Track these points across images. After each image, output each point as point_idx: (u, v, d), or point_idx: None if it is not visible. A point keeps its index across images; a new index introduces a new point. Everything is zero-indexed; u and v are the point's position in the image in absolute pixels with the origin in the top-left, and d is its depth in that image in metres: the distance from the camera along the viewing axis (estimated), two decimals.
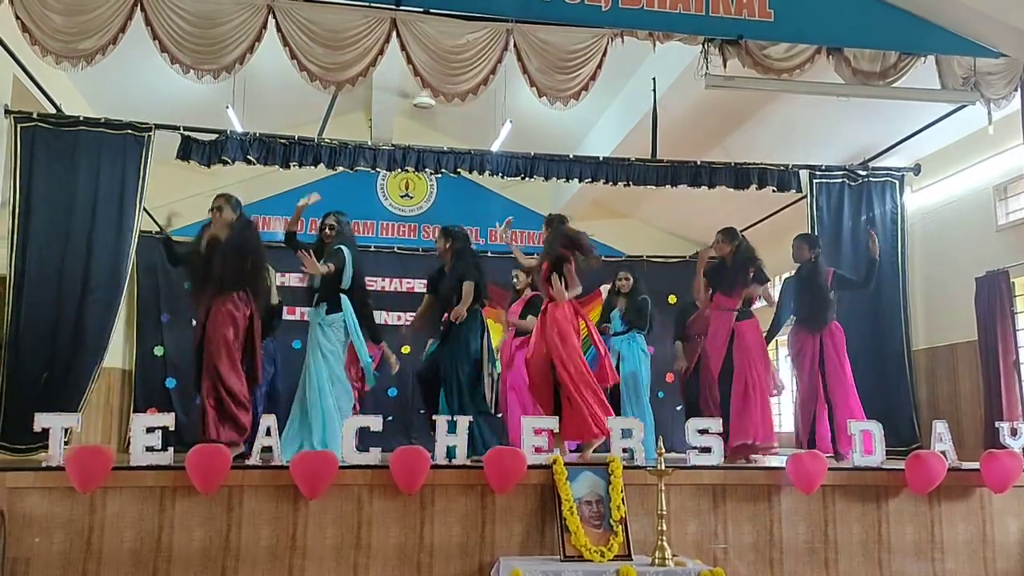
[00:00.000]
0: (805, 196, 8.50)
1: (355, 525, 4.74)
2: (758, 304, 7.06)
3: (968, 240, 7.85)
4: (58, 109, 7.40)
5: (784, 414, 10.82)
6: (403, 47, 6.25)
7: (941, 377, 8.09)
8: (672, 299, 9.85)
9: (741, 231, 10.47)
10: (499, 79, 6.45)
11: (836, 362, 6.84)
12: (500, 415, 6.99)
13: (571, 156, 8.48)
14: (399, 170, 8.28)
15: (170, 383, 9.67)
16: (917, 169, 8.49)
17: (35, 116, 7.11)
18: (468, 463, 4.98)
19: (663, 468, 4.58)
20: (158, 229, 9.78)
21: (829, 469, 5.15)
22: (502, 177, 8.41)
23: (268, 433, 4.93)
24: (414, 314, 10.36)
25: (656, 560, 4.50)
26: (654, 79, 7.96)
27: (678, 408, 9.18)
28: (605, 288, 9.05)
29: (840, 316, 7.68)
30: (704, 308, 7.20)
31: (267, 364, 6.82)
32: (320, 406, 6.01)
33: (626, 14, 6.47)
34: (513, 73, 6.51)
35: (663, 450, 4.68)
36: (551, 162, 8.28)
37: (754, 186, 8.36)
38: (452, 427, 5.06)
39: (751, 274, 6.82)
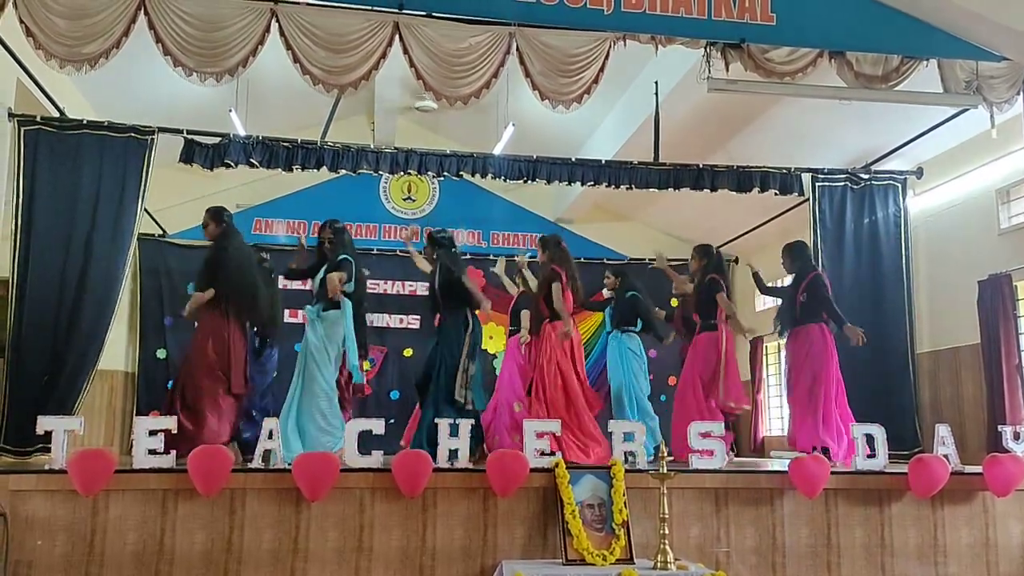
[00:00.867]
0: (807, 199, 8.50)
1: (357, 528, 4.74)
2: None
3: (970, 243, 7.84)
4: (61, 112, 7.42)
5: (785, 419, 10.81)
6: (406, 50, 6.26)
7: (944, 381, 8.08)
8: (675, 302, 9.84)
9: (744, 234, 10.60)
10: (501, 82, 6.46)
11: (825, 361, 6.84)
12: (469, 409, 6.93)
13: (573, 159, 8.48)
14: (401, 173, 8.26)
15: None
16: (919, 172, 8.48)
17: (38, 119, 7.13)
18: (470, 466, 4.98)
19: (665, 471, 4.58)
20: (161, 232, 9.85)
21: (832, 473, 5.15)
22: (504, 180, 8.40)
23: (270, 436, 4.93)
24: (416, 316, 10.49)
25: (658, 564, 4.49)
26: (656, 82, 7.96)
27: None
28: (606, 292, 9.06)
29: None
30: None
31: (257, 373, 6.85)
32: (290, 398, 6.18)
33: (628, 18, 6.48)
34: (515, 76, 6.52)
35: (665, 454, 4.68)
36: (553, 165, 8.28)
37: (756, 189, 8.35)
38: (455, 430, 5.07)
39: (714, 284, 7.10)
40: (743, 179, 8.34)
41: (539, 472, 4.90)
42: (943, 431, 5.52)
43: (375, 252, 10.75)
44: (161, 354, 9.80)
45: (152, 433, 4.77)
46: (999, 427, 5.78)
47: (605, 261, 10.57)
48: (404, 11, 6.27)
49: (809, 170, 8.43)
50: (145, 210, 7.51)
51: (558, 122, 8.98)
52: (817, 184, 8.41)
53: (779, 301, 7.41)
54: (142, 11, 5.95)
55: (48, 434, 4.75)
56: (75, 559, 4.51)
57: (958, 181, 8.07)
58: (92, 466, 4.50)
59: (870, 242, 8.36)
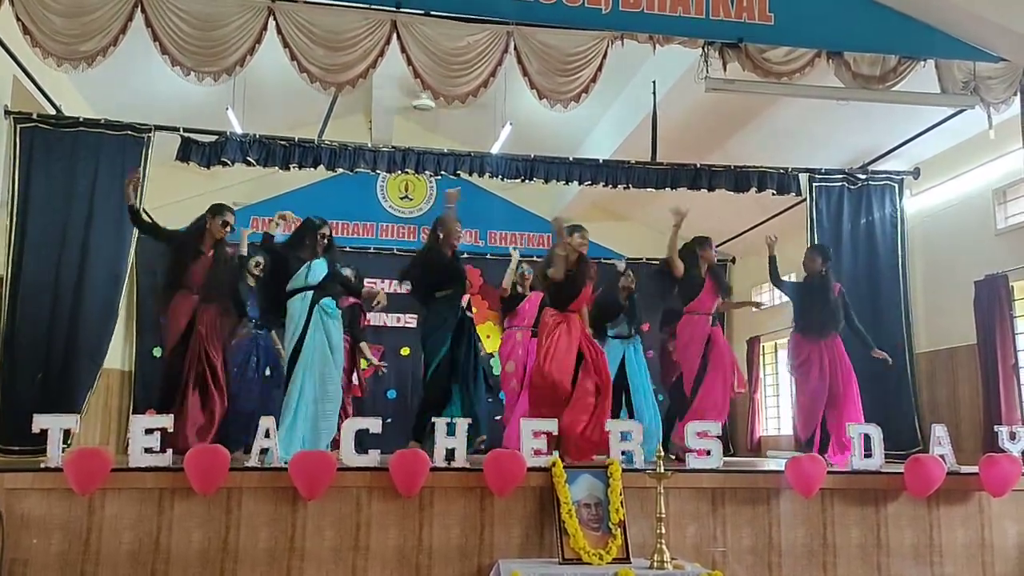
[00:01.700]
0: (805, 199, 8.51)
1: (354, 527, 4.73)
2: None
3: (967, 244, 7.85)
4: (58, 110, 7.41)
5: (782, 418, 10.83)
6: (403, 49, 6.25)
7: (940, 381, 8.10)
8: None
9: (741, 233, 10.61)
10: (499, 81, 6.45)
11: (843, 371, 6.81)
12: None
13: (571, 158, 8.49)
14: (399, 172, 8.29)
15: None
16: (916, 173, 8.49)
17: (35, 117, 7.12)
18: (467, 465, 4.98)
19: (662, 471, 4.57)
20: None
21: (828, 473, 5.15)
22: (502, 179, 8.42)
23: (267, 435, 4.92)
24: (413, 315, 10.47)
25: (655, 563, 4.49)
26: (654, 82, 7.97)
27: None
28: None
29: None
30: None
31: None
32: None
33: (626, 17, 6.47)
34: (513, 75, 6.52)
35: (662, 453, 4.68)
36: (551, 164, 8.29)
37: (754, 189, 8.37)
38: (451, 429, 5.06)
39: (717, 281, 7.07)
40: (740, 179, 8.36)
41: (536, 471, 4.89)
42: (939, 431, 5.52)
43: (372, 251, 10.75)
44: (157, 352, 9.77)
45: (148, 431, 4.75)
46: (995, 427, 5.78)
47: (602, 261, 10.56)
48: (402, 9, 6.26)
49: (806, 170, 8.45)
50: (143, 209, 7.49)
51: (556, 121, 8.98)
52: (814, 184, 8.43)
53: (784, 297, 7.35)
54: (139, 9, 5.94)
55: (42, 434, 4.73)
56: (71, 558, 4.50)
57: (955, 181, 8.08)
58: (88, 465, 4.48)
59: (867, 242, 8.38)
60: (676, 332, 7.10)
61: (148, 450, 4.72)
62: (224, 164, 7.64)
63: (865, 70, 6.68)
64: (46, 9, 5.80)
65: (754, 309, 9.11)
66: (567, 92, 6.47)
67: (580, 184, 8.50)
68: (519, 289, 7.88)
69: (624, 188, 8.35)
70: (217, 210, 6.33)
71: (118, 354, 9.77)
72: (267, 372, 7.08)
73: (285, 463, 4.76)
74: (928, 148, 8.21)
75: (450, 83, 6.33)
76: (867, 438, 5.47)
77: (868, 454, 5.44)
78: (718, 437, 5.30)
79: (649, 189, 8.39)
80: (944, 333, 8.09)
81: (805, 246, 7.95)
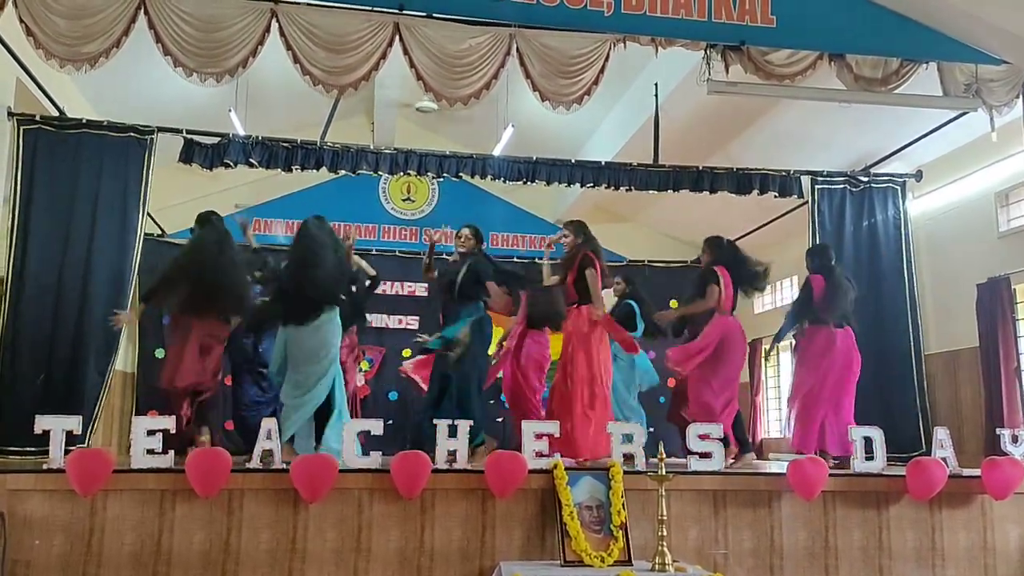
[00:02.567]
0: (807, 202, 8.51)
1: (355, 529, 4.73)
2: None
3: (969, 246, 7.84)
4: (61, 112, 7.42)
5: (784, 420, 10.81)
6: (406, 51, 6.26)
7: (942, 383, 8.09)
8: (674, 303, 9.84)
9: (743, 236, 10.59)
10: (501, 83, 6.47)
11: (854, 364, 6.80)
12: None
13: (573, 160, 8.50)
14: (401, 174, 8.28)
15: None
16: (919, 175, 8.49)
17: (38, 118, 7.14)
18: (469, 467, 4.98)
19: (663, 473, 4.57)
20: (160, 232, 9.84)
21: (830, 475, 5.15)
22: (504, 181, 8.42)
23: (269, 437, 4.93)
24: (415, 317, 10.47)
25: (656, 565, 4.49)
26: (656, 84, 7.97)
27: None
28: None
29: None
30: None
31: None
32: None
33: (628, 19, 6.48)
34: (515, 77, 6.53)
35: (664, 455, 4.68)
36: (553, 166, 8.29)
37: (756, 191, 8.37)
38: (452, 431, 5.07)
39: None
40: (742, 181, 8.35)
41: (537, 473, 4.89)
42: (941, 434, 5.52)
43: (374, 252, 10.74)
44: (159, 353, 9.76)
45: (150, 433, 4.76)
46: (997, 430, 5.77)
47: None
48: (404, 12, 6.27)
49: (808, 172, 8.45)
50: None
51: (558, 123, 8.99)
52: (816, 186, 8.43)
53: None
54: (142, 11, 5.95)
55: (43, 435, 4.73)
56: (73, 559, 4.51)
57: (957, 184, 8.08)
58: (90, 466, 4.49)
59: (869, 245, 8.38)
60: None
61: (150, 451, 4.72)
62: (227, 166, 7.65)
63: (867, 72, 6.68)
64: (49, 11, 5.81)
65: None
66: (569, 94, 6.48)
67: (582, 186, 8.50)
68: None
69: (626, 190, 8.35)
70: (201, 219, 6.42)
71: (120, 355, 9.77)
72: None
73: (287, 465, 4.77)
74: (930, 151, 8.21)
75: (452, 85, 6.34)
76: (869, 441, 5.47)
77: (870, 456, 5.44)
78: (720, 440, 5.30)
79: (651, 191, 8.38)
80: (946, 336, 8.08)
81: (807, 248, 7.96)
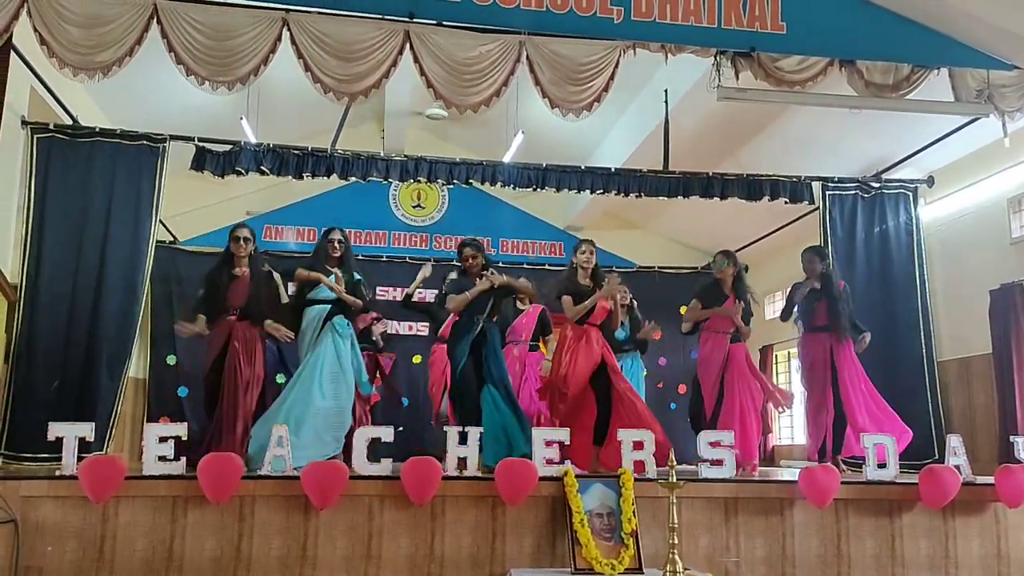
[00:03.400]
0: (818, 208, 8.48)
1: (366, 536, 4.73)
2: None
3: (982, 253, 7.80)
4: (74, 120, 7.48)
5: (796, 427, 10.77)
6: (416, 59, 6.28)
7: (955, 390, 8.04)
8: (683, 310, 9.82)
9: (754, 242, 10.59)
10: (511, 90, 6.47)
11: (853, 371, 6.79)
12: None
13: (583, 167, 8.50)
14: (411, 181, 8.30)
15: (182, 392, 9.70)
16: (930, 181, 8.46)
17: (52, 127, 7.19)
18: (479, 474, 4.98)
19: (674, 481, 4.56)
20: (172, 239, 9.89)
21: (842, 483, 5.12)
22: (514, 188, 8.44)
23: (279, 444, 4.94)
24: (425, 324, 10.48)
25: (667, 573, 4.45)
26: (666, 91, 7.97)
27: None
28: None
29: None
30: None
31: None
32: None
33: (638, 26, 6.48)
34: (525, 85, 6.53)
35: (675, 462, 4.67)
36: (563, 173, 8.30)
37: (766, 198, 8.35)
38: (463, 438, 5.07)
39: (749, 300, 6.98)
40: (753, 187, 8.34)
41: (548, 480, 4.89)
42: (954, 441, 5.48)
43: (384, 259, 10.77)
44: (171, 360, 9.83)
45: (162, 440, 4.78)
46: (1011, 437, 5.74)
47: (614, 269, 10.56)
48: (415, 20, 6.29)
49: (819, 178, 8.43)
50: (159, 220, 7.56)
51: (567, 130, 8.99)
52: (827, 192, 8.41)
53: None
54: (155, 20, 6.00)
55: (56, 441, 4.76)
56: (85, 566, 4.52)
57: (969, 190, 8.04)
58: (102, 472, 4.51)
59: (881, 251, 8.34)
60: (698, 348, 7.13)
61: (162, 458, 4.74)
62: (238, 173, 7.69)
63: (878, 79, 6.66)
64: (63, 20, 5.86)
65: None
66: (579, 101, 6.48)
67: (592, 193, 8.50)
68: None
69: (636, 197, 8.35)
70: (230, 233, 6.47)
71: (132, 362, 9.81)
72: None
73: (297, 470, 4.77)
74: (942, 157, 8.18)
75: (462, 93, 6.35)
76: (881, 448, 5.44)
77: (883, 464, 5.41)
78: (731, 447, 5.28)
79: (661, 198, 8.38)
80: (959, 343, 8.04)
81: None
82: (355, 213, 10.98)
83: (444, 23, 6.35)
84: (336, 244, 6.42)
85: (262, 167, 7.69)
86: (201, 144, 7.61)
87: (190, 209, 10.05)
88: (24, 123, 7.07)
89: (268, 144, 7.80)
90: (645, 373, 8.48)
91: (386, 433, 5.01)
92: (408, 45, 6.26)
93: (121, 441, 9.34)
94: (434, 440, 7.72)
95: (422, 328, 10.48)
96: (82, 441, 4.79)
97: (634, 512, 4.78)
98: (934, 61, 6.74)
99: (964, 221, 8.12)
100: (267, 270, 6.75)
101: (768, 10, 6.64)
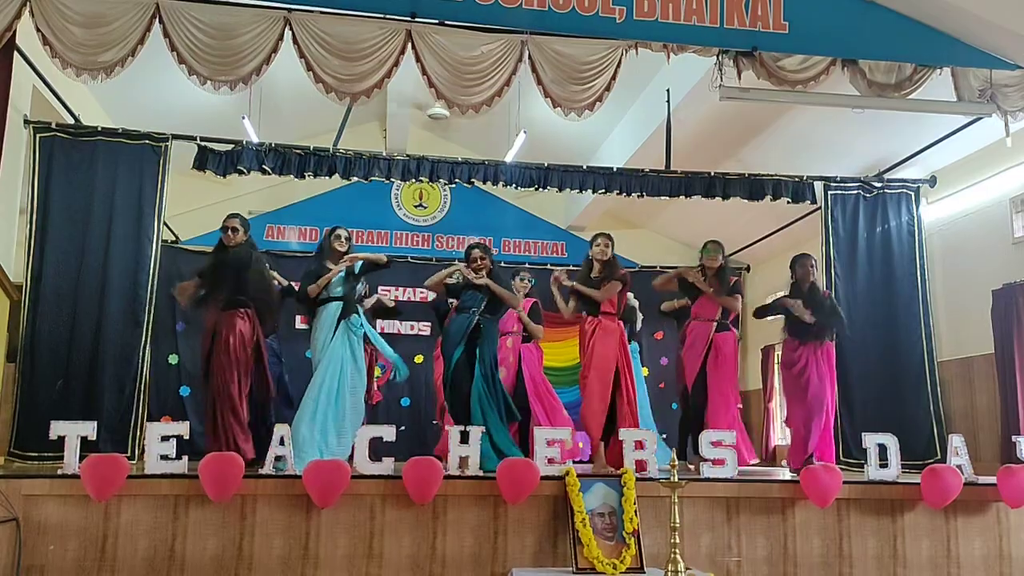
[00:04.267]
0: (820, 208, 8.48)
1: (367, 535, 4.74)
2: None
3: (984, 253, 7.79)
4: (76, 119, 7.48)
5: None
6: (418, 58, 6.28)
7: (957, 390, 8.03)
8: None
9: (756, 242, 10.58)
10: (513, 90, 6.46)
11: (827, 376, 6.81)
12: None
13: (585, 167, 8.49)
14: (413, 180, 8.28)
15: (184, 391, 9.72)
16: (933, 181, 8.45)
17: (54, 126, 7.19)
18: (481, 474, 4.98)
19: (676, 480, 4.56)
20: (174, 238, 9.90)
21: (844, 482, 5.12)
22: (516, 188, 8.42)
23: (282, 443, 4.94)
24: (427, 324, 10.48)
25: (669, 573, 4.45)
26: (668, 90, 7.96)
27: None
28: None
29: (856, 328, 7.68)
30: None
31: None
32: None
33: (640, 26, 6.48)
34: (527, 84, 6.53)
35: (676, 462, 4.66)
36: (565, 173, 8.29)
37: (768, 197, 8.33)
38: (464, 437, 5.08)
39: (732, 283, 7.03)
40: (755, 187, 8.32)
41: (550, 480, 4.89)
42: (956, 441, 5.48)
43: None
44: (173, 360, 9.84)
45: (164, 439, 4.79)
46: (1013, 438, 5.74)
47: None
48: (417, 19, 6.29)
49: (821, 178, 8.41)
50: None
51: (570, 130, 8.98)
52: (829, 192, 8.39)
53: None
54: (157, 19, 6.00)
55: (60, 440, 4.76)
56: (87, 564, 4.54)
57: (972, 190, 8.03)
58: (105, 471, 4.52)
59: (883, 251, 8.33)
60: (684, 335, 7.14)
61: (164, 457, 4.75)
62: (240, 172, 7.68)
63: (880, 78, 6.66)
64: (65, 20, 5.86)
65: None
66: (581, 101, 6.48)
67: (594, 192, 8.49)
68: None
69: (638, 196, 8.33)
70: (222, 223, 6.40)
71: (144, 362, 9.82)
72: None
73: (298, 473, 4.78)
74: (944, 156, 8.16)
75: (464, 92, 6.35)
76: (883, 448, 5.44)
77: (884, 464, 5.40)
78: (732, 446, 5.28)
79: (663, 197, 8.37)
80: (961, 342, 8.03)
81: (821, 254, 7.94)
82: (357, 213, 10.99)
83: (446, 22, 6.35)
84: (343, 240, 6.50)
85: (264, 167, 7.68)
86: (203, 143, 7.61)
87: (192, 209, 10.06)
88: (27, 122, 7.08)
89: (270, 144, 7.79)
90: (646, 373, 8.50)
91: (388, 432, 5.02)
92: (410, 45, 6.25)
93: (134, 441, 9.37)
94: (436, 440, 7.74)
95: (424, 328, 10.49)
96: (87, 441, 4.79)
97: (636, 511, 4.78)
98: (937, 60, 6.73)
99: (966, 221, 8.11)
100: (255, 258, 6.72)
101: (770, 9, 6.63)
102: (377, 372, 8.23)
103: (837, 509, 5.12)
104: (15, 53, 6.16)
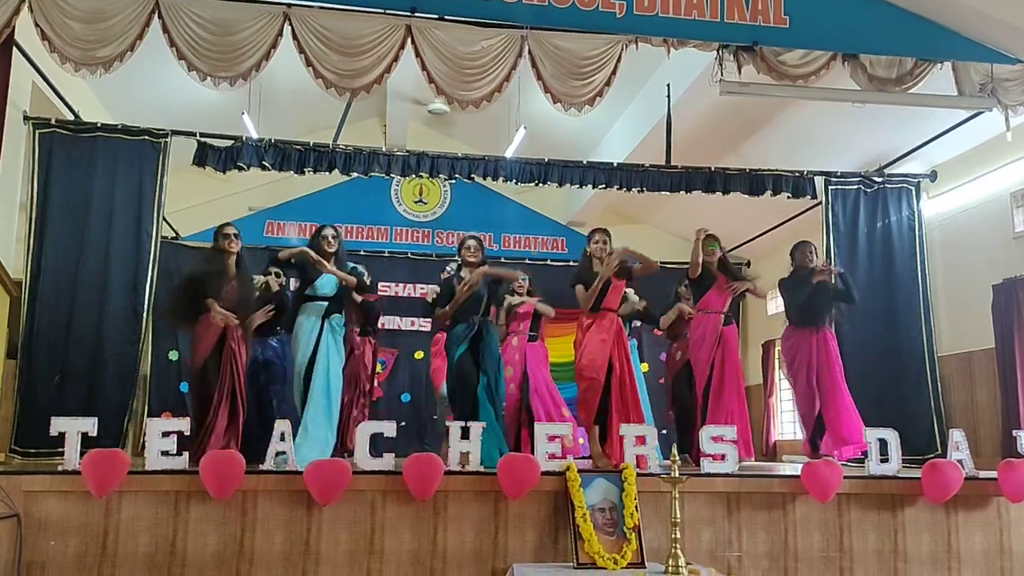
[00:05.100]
0: (820, 203, 8.47)
1: (368, 531, 4.74)
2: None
3: (985, 247, 7.79)
4: (76, 115, 7.48)
5: (797, 422, 10.77)
6: (418, 53, 6.27)
7: (957, 385, 8.03)
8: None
9: (756, 237, 10.57)
10: (513, 85, 6.46)
11: (827, 364, 6.81)
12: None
13: (585, 162, 8.49)
14: (413, 176, 8.29)
15: (184, 387, 9.72)
16: (933, 176, 8.44)
17: (53, 122, 7.19)
18: (482, 469, 4.98)
19: (677, 475, 4.56)
20: (174, 234, 9.90)
21: (845, 477, 5.12)
22: (516, 183, 8.42)
23: (282, 439, 4.94)
24: (428, 319, 10.48)
25: (670, 568, 4.47)
26: (668, 85, 7.95)
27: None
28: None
29: (857, 321, 7.68)
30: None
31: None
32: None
33: (640, 20, 6.46)
34: (527, 79, 6.52)
35: (677, 457, 4.67)
36: (565, 168, 8.29)
37: (769, 192, 8.33)
38: (465, 432, 5.07)
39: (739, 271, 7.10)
40: (755, 182, 8.32)
41: (550, 475, 4.89)
42: (957, 436, 5.48)
43: (386, 255, 10.78)
44: (173, 356, 9.84)
45: (165, 435, 4.79)
46: (1013, 432, 5.74)
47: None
48: (416, 14, 6.28)
49: (822, 173, 8.41)
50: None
51: (570, 125, 8.98)
52: (830, 187, 8.39)
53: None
54: (156, 15, 5.99)
55: (59, 436, 4.76)
56: (88, 560, 4.53)
57: (972, 184, 8.02)
58: (105, 467, 4.52)
59: (884, 245, 8.33)
60: (690, 330, 7.11)
61: (164, 453, 4.75)
62: (240, 168, 7.68)
63: (881, 72, 6.64)
64: (64, 15, 5.85)
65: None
66: (581, 96, 6.47)
67: (594, 187, 8.49)
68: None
69: (638, 191, 8.33)
70: (218, 231, 6.35)
71: (143, 358, 9.82)
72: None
73: (300, 469, 4.78)
74: (945, 151, 8.16)
75: (464, 88, 6.34)
76: (884, 443, 5.44)
77: (885, 459, 5.40)
78: (733, 441, 5.28)
79: (663, 193, 8.37)
80: (961, 337, 8.03)
81: (821, 249, 7.93)
82: (357, 208, 10.99)
83: (446, 17, 6.34)
84: (331, 240, 6.43)
85: (264, 162, 7.68)
86: (203, 139, 7.60)
87: (192, 205, 10.06)
88: (26, 118, 7.07)
89: (270, 139, 7.79)
90: (646, 369, 8.48)
91: (388, 428, 5.02)
92: (410, 40, 6.25)
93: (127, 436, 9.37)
94: (435, 441, 7.74)
95: (424, 324, 10.49)
96: (87, 437, 4.79)
97: (636, 507, 4.78)
98: (937, 55, 6.71)
99: (967, 216, 8.10)
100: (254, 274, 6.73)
101: (771, 4, 6.62)
102: (379, 368, 8.25)
103: (838, 504, 5.12)
104: (14, 49, 6.15)
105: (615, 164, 8.49)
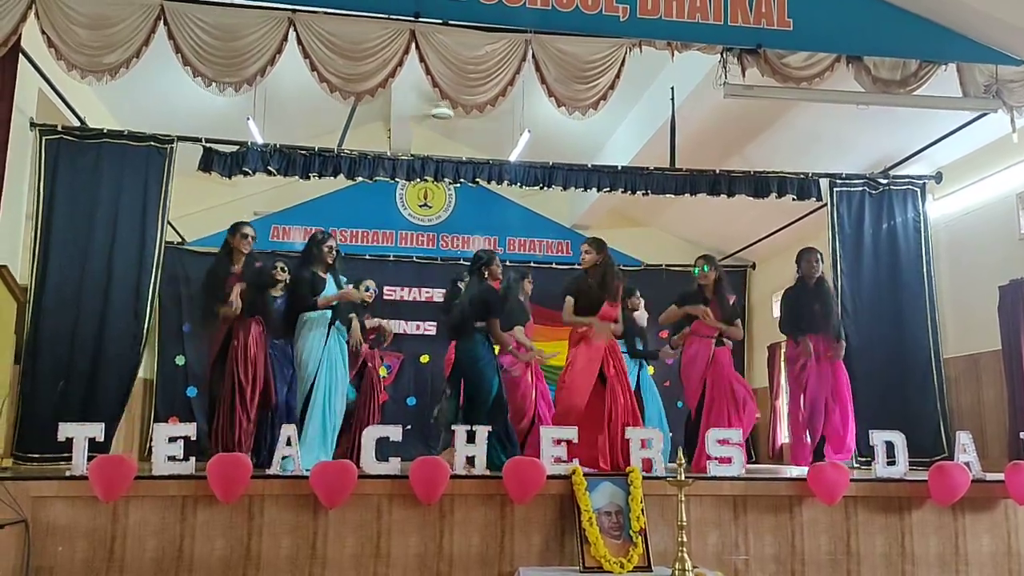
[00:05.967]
0: (825, 205, 8.46)
1: (375, 534, 4.75)
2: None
3: (991, 249, 7.76)
4: (82, 122, 7.50)
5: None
6: (422, 58, 6.28)
7: (964, 387, 8.01)
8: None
9: (761, 239, 10.56)
10: (517, 89, 6.46)
11: (830, 372, 6.81)
12: None
13: (589, 165, 8.49)
14: (418, 180, 8.30)
15: (191, 392, 9.74)
16: (939, 177, 8.43)
17: (59, 129, 7.21)
18: (487, 473, 4.99)
19: (683, 479, 4.55)
20: (180, 240, 9.92)
21: (852, 480, 5.11)
22: (520, 187, 8.43)
23: (288, 443, 4.95)
24: (432, 323, 10.49)
25: (676, 571, 4.46)
26: (672, 88, 7.95)
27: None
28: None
29: (863, 324, 7.67)
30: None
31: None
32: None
33: (644, 24, 6.46)
34: (531, 83, 6.53)
35: (683, 460, 4.66)
36: (569, 171, 8.29)
37: (773, 195, 8.32)
38: (471, 436, 5.08)
39: (731, 303, 7.02)
40: (760, 184, 8.32)
41: (556, 479, 4.89)
42: (964, 438, 5.47)
43: (391, 259, 10.79)
44: (179, 360, 9.87)
45: (172, 440, 4.80)
46: (1021, 434, 5.73)
47: (620, 267, 10.55)
48: (420, 19, 6.29)
49: (827, 175, 8.40)
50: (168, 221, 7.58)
51: (574, 128, 8.98)
52: (835, 189, 8.38)
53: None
54: (162, 21, 6.01)
55: (67, 441, 4.77)
56: (95, 565, 4.54)
57: (978, 186, 8.00)
58: (112, 472, 4.53)
59: (889, 247, 8.31)
60: (683, 350, 7.12)
61: (171, 458, 4.76)
62: (245, 174, 7.70)
63: (885, 74, 6.64)
64: (70, 22, 5.87)
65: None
66: (585, 99, 6.47)
67: (599, 191, 8.49)
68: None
69: (643, 194, 8.33)
70: (236, 227, 6.58)
71: (142, 363, 9.85)
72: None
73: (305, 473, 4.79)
74: (950, 152, 8.14)
75: (468, 92, 6.35)
76: (890, 445, 5.42)
77: (892, 461, 5.39)
78: (739, 445, 5.28)
79: (668, 195, 8.37)
80: (967, 339, 8.00)
81: (827, 251, 7.92)
82: (362, 213, 11.01)
83: (450, 22, 6.35)
84: (334, 251, 6.53)
85: (269, 167, 7.70)
86: (208, 145, 7.62)
87: (197, 210, 10.08)
88: (33, 125, 7.10)
89: (275, 144, 7.81)
90: (652, 371, 8.47)
91: (395, 432, 5.03)
92: (414, 44, 6.26)
93: (130, 441, 9.40)
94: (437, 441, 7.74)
95: (429, 327, 10.51)
96: (92, 441, 4.80)
97: (643, 510, 4.78)
98: (942, 56, 6.70)
99: (973, 217, 8.08)
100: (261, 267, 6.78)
101: (775, 6, 6.61)
102: (383, 372, 8.26)
103: (844, 507, 5.11)
104: (20, 56, 6.18)
105: (619, 167, 8.49)
